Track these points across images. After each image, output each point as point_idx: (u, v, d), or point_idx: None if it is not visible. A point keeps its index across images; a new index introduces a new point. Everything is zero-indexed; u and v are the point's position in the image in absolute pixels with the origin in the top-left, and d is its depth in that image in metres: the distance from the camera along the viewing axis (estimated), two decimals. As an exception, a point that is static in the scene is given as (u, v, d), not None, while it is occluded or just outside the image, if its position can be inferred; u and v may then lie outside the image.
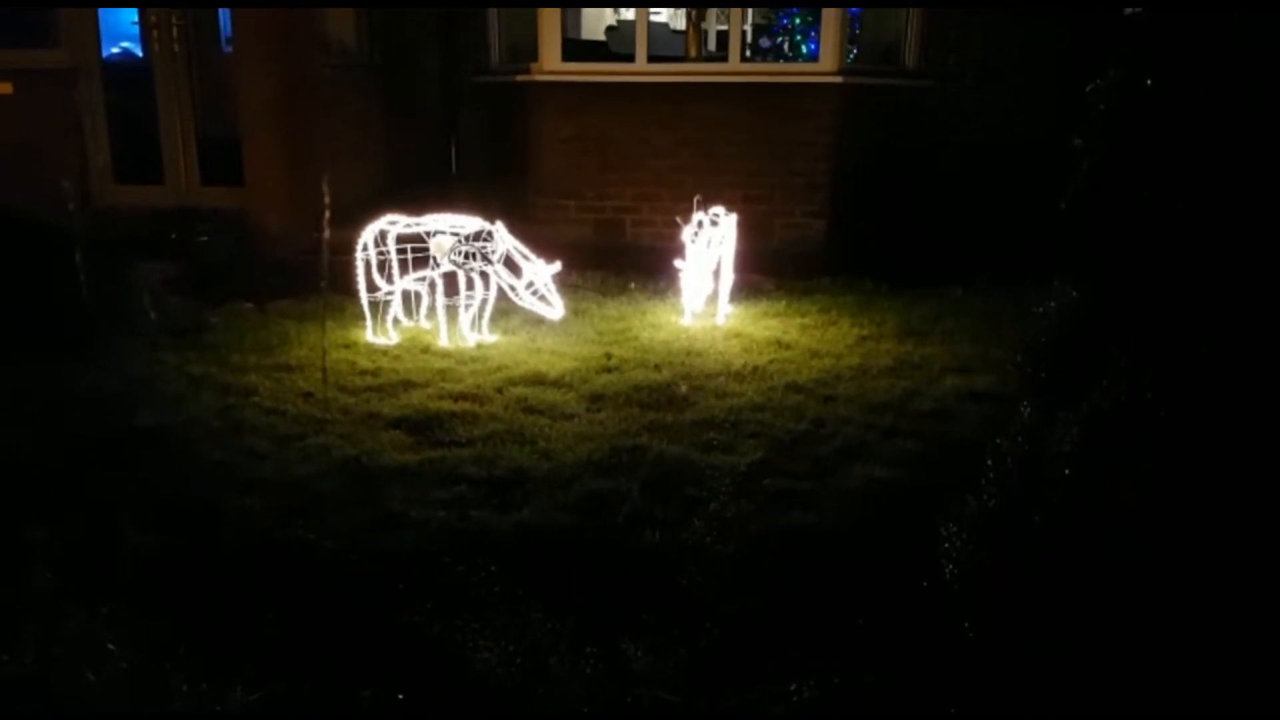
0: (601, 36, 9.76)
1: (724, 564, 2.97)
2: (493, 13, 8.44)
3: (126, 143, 8.20)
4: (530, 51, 8.12)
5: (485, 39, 8.55)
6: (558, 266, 5.05)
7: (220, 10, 9.28)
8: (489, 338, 5.15)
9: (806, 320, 5.60)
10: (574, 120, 7.88)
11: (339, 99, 8.25)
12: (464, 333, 5.11)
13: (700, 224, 5.49)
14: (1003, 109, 8.05)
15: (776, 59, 9.37)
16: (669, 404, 4.24)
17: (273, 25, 7.45)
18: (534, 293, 5.03)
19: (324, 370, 4.31)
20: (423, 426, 3.98)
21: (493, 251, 4.99)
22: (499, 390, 4.40)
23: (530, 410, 4.17)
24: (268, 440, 3.85)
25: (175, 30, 7.84)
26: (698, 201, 5.57)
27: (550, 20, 7.81)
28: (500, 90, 8.32)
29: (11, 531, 3.02)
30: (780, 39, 9.90)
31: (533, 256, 5.03)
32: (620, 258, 7.31)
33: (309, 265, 6.94)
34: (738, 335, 5.29)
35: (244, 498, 3.36)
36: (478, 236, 4.99)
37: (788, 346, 5.07)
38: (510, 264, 5.01)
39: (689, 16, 8.19)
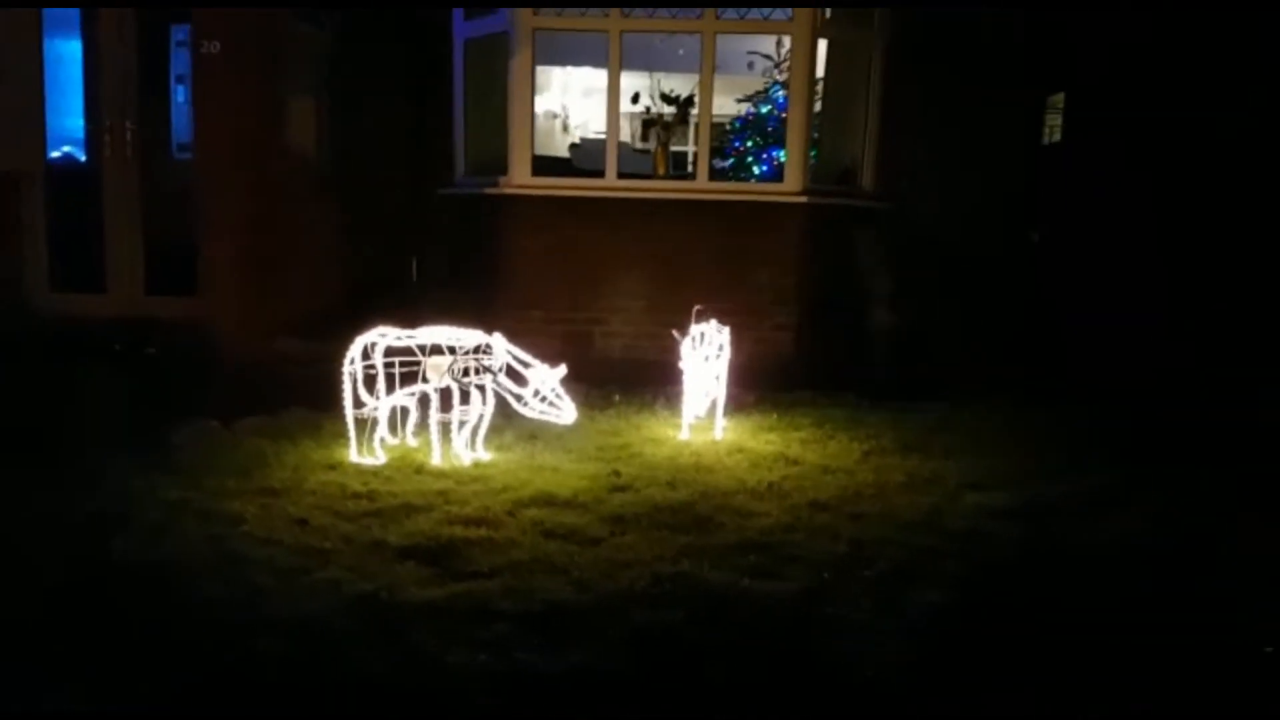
0: (563, 153, 9.80)
1: (798, 703, 2.74)
2: (459, 127, 8.40)
3: (67, 249, 7.83)
4: (496, 166, 8.07)
5: (450, 152, 8.48)
6: (563, 370, 4.84)
7: (174, 116, 9.07)
8: (484, 455, 4.88)
9: (803, 434, 5.47)
10: (543, 233, 7.81)
11: (300, 208, 8.04)
12: (459, 451, 4.83)
13: (700, 336, 5.37)
14: (955, 227, 8.27)
15: (730, 178, 9.48)
16: (695, 526, 4.02)
17: (237, 132, 7.26)
18: (541, 399, 4.80)
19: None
20: (438, 556, 3.67)
21: (493, 364, 4.77)
22: (510, 513, 4.11)
23: (550, 535, 3.89)
24: (268, 574, 3.49)
25: (129, 135, 7.58)
26: (696, 313, 5.46)
27: (520, 136, 7.80)
28: (467, 202, 8.23)
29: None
30: (731, 159, 10.05)
31: (535, 362, 4.82)
32: (593, 370, 7.12)
33: (272, 378, 6.66)
34: (741, 450, 5.12)
35: (254, 641, 3.01)
36: (477, 350, 4.77)
37: (795, 462, 4.91)
38: (511, 373, 4.79)
39: (657, 137, 8.27)
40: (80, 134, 8.80)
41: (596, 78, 11.66)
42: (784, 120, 9.26)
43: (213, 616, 3.18)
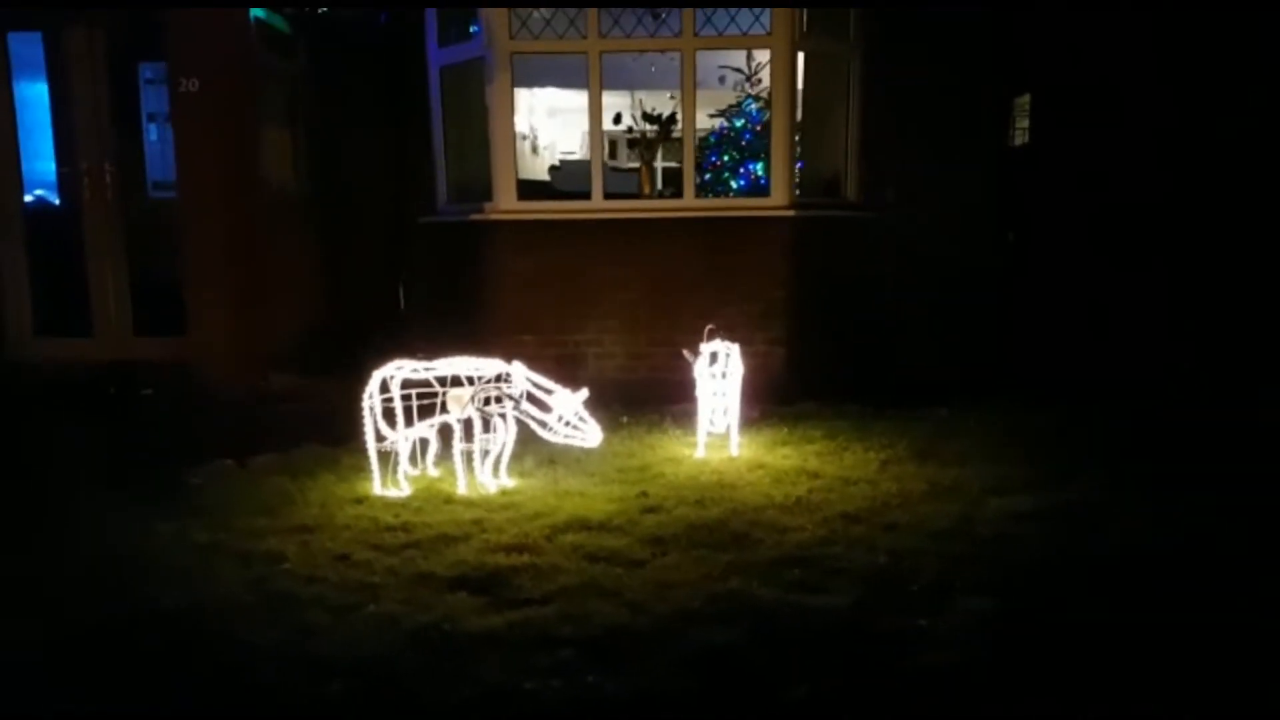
0: (540, 175, 9.83)
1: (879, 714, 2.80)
2: (439, 154, 8.41)
3: (48, 293, 7.73)
4: (479, 192, 8.09)
5: (431, 179, 8.48)
6: (585, 394, 4.86)
7: (148, 154, 8.98)
8: (509, 482, 4.88)
9: (817, 447, 5.54)
10: (531, 256, 7.83)
11: (282, 241, 8.00)
12: (484, 479, 4.83)
13: (714, 355, 5.43)
14: (940, 236, 8.43)
15: (708, 194, 9.58)
16: (733, 543, 4.05)
17: (220, 169, 7.20)
18: (566, 424, 4.82)
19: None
20: (487, 585, 3.67)
21: (513, 391, 4.78)
22: (548, 539, 4.13)
23: (594, 559, 3.91)
24: (321, 612, 3.48)
25: (109, 177, 7.50)
26: (708, 331, 5.52)
27: (504, 161, 7.83)
28: (452, 230, 8.24)
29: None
30: (708, 175, 10.14)
31: (556, 387, 4.85)
32: (590, 392, 7.18)
33: (275, 415, 6.61)
34: (761, 466, 5.17)
35: (321, 685, 3.00)
36: (498, 379, 4.79)
37: (816, 475, 4.97)
38: (533, 400, 4.81)
39: (641, 156, 8.34)
40: (52, 177, 8.67)
41: (562, 98, 11.74)
42: (758, 133, 9.42)
43: (276, 658, 3.16)
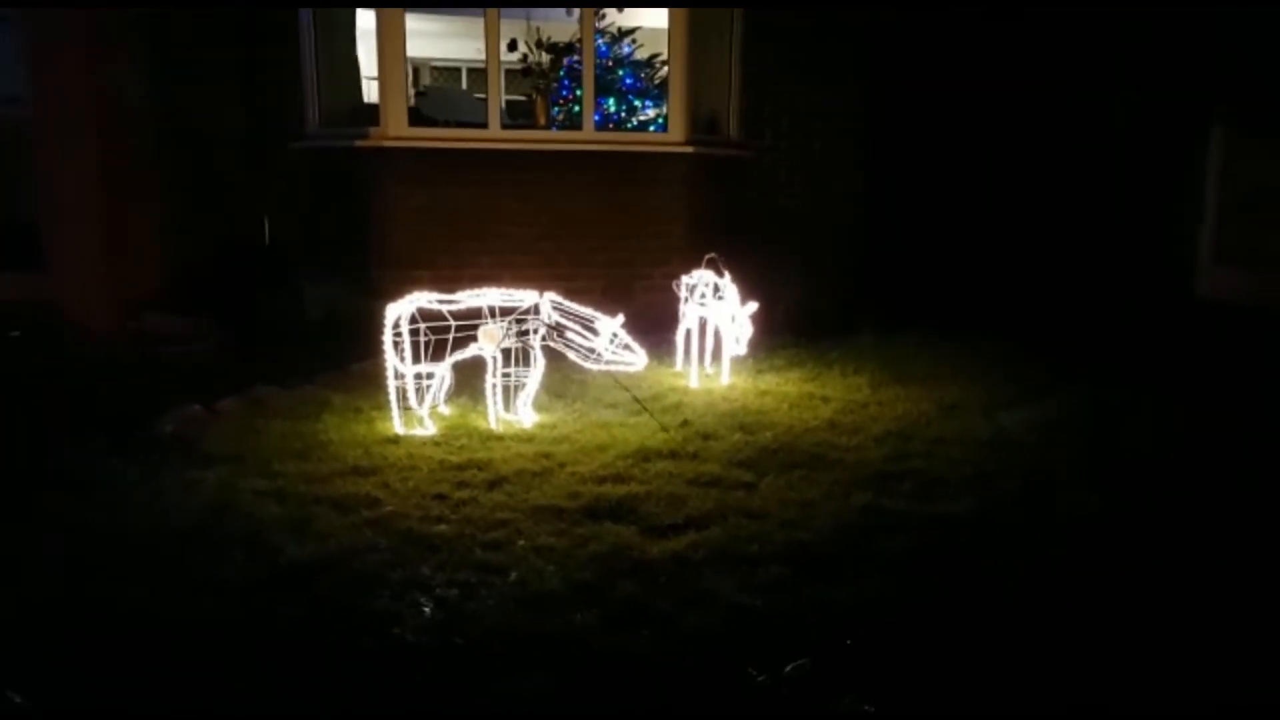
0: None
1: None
2: (309, 75, 7.73)
3: None
4: (355, 116, 7.56)
5: (300, 102, 7.78)
6: (621, 319, 4.76)
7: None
8: (535, 417, 4.72)
9: (796, 374, 5.71)
10: (424, 188, 7.44)
11: (141, 174, 7.06)
12: (520, 413, 4.64)
13: (715, 286, 5.47)
14: (811, 177, 8.88)
15: (564, 127, 9.47)
16: (819, 464, 4.16)
17: (79, 89, 6.22)
18: (620, 345, 4.68)
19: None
20: (620, 514, 3.57)
21: (552, 322, 4.61)
22: (636, 466, 4.07)
23: (705, 484, 3.90)
24: (485, 551, 3.26)
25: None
26: (706, 261, 5.54)
27: (394, 83, 7.34)
28: (328, 156, 7.63)
29: None
30: (557, 110, 9.98)
31: (598, 315, 4.70)
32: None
33: (178, 357, 5.91)
34: (765, 393, 5.30)
35: (572, 614, 2.85)
36: (537, 310, 4.59)
37: (826, 399, 5.17)
38: (574, 329, 4.65)
39: (535, 86, 8.09)
40: None
41: (421, 21, 10.99)
42: (609, 68, 9.41)
43: (497, 594, 2.96)
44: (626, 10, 9.41)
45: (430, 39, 11.56)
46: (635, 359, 4.77)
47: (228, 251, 7.62)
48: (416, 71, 12.39)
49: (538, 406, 4.87)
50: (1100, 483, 4.00)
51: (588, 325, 4.65)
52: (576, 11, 9.48)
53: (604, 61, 9.73)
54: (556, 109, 9.96)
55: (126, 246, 6.56)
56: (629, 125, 9.71)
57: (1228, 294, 8.43)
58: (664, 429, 4.58)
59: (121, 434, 4.38)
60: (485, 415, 4.65)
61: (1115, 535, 3.52)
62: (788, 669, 2.56)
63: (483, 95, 9.32)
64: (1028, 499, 3.84)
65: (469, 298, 4.59)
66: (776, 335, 6.64)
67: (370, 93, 8.75)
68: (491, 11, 7.33)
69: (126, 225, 6.57)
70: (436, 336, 4.47)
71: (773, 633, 2.81)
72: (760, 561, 3.23)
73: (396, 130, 7.36)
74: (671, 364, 5.74)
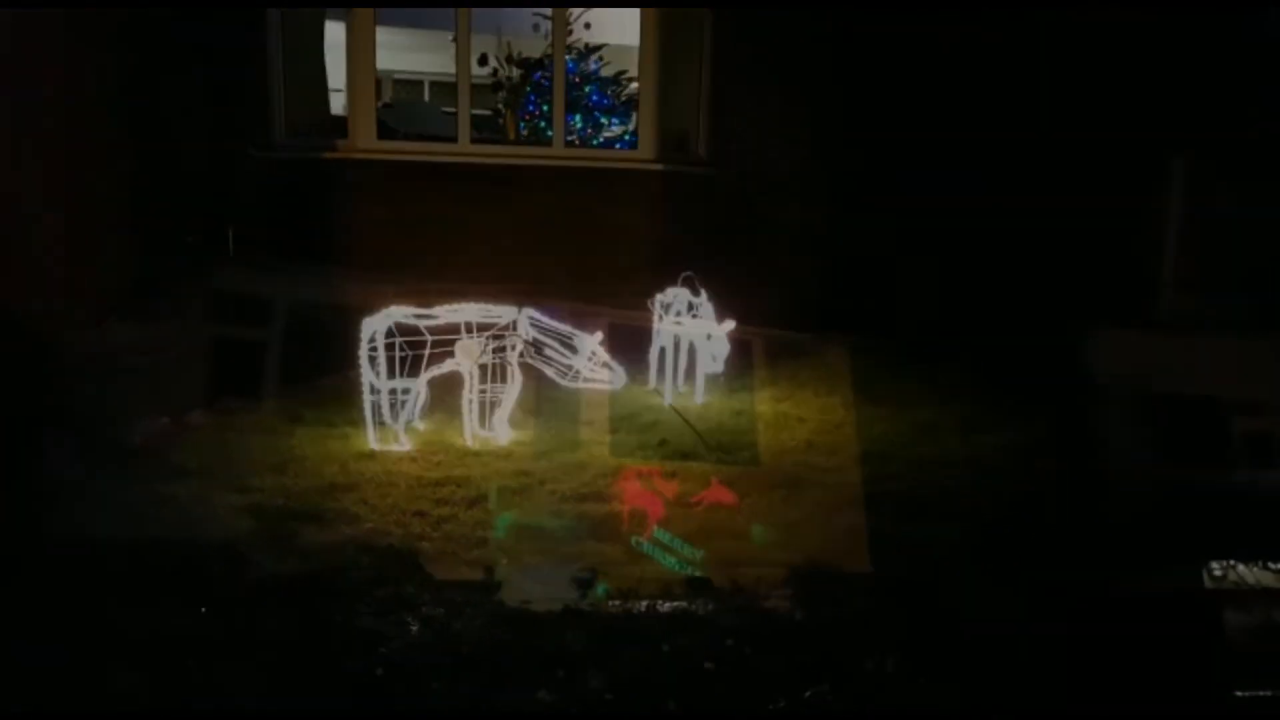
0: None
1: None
2: (276, 85, 7.64)
3: None
4: (321, 127, 7.50)
5: (265, 113, 7.68)
6: (600, 336, 4.75)
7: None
8: (511, 433, 4.68)
9: (769, 393, 5.69)
10: (391, 201, 7.41)
11: (96, 177, 6.89)
12: (495, 430, 4.61)
13: (690, 305, 5.48)
14: (780, 195, 8.94)
15: (530, 143, 9.48)
16: (798, 485, 4.19)
17: (43, 95, 6.05)
18: (597, 363, 4.66)
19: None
20: (610, 531, 3.59)
21: (528, 338, 4.58)
22: (616, 485, 4.07)
23: (688, 505, 3.92)
24: (465, 569, 3.24)
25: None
26: (682, 279, 5.56)
27: (364, 95, 7.32)
28: (295, 167, 7.54)
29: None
30: (522, 125, 10.00)
31: (576, 332, 4.68)
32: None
33: (146, 370, 5.76)
34: (741, 413, 5.30)
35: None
36: (514, 326, 4.56)
37: (801, 419, 5.20)
38: (551, 346, 4.62)
39: (505, 101, 8.08)
40: None
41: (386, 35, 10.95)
42: (576, 84, 9.45)
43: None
44: (594, 27, 9.46)
45: (393, 51, 11.53)
46: (614, 377, 4.74)
47: (191, 261, 7.48)
48: (379, 84, 12.33)
49: (513, 423, 4.83)
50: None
51: (566, 342, 4.63)
52: (545, 25, 9.58)
53: (571, 78, 9.77)
54: (522, 124, 9.98)
55: (89, 255, 6.39)
56: (595, 142, 9.73)
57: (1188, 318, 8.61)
58: (638, 449, 4.56)
59: (86, 446, 4.28)
60: (461, 431, 4.61)
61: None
62: (807, 694, 2.56)
63: (450, 109, 9.32)
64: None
65: (446, 313, 4.56)
66: (747, 354, 6.65)
67: (337, 104, 8.71)
68: (464, 24, 7.31)
69: (88, 233, 6.40)
70: (413, 352, 4.43)
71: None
72: (746, 584, 3.23)
73: (365, 143, 7.33)
74: (644, 382, 5.72)
